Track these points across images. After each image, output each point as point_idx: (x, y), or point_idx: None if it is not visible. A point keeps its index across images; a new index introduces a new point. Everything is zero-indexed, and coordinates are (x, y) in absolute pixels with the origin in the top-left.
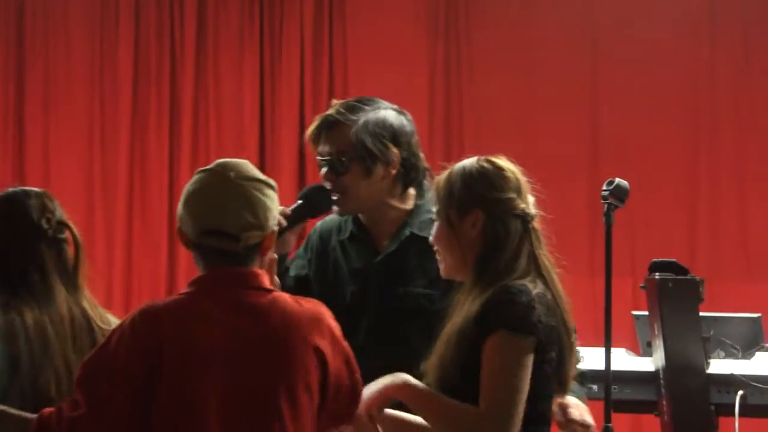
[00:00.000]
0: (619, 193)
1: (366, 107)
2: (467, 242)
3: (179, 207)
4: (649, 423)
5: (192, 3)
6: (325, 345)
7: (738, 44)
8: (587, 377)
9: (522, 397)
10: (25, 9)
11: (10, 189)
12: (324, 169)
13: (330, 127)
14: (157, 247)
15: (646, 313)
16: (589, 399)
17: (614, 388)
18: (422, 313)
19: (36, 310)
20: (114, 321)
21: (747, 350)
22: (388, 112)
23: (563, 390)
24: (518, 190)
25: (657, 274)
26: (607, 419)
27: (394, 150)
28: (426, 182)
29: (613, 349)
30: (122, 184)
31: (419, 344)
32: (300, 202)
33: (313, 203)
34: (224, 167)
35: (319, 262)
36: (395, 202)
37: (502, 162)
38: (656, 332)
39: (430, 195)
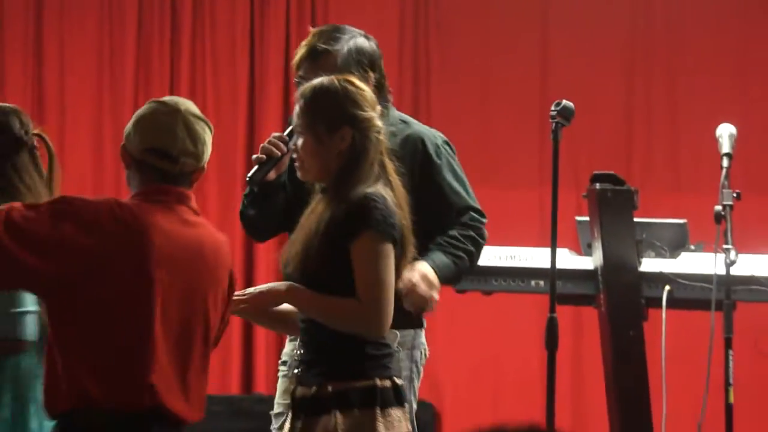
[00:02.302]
0: (565, 113)
1: (343, 35)
2: (334, 154)
3: (128, 127)
4: (588, 314)
5: None
6: (232, 270)
7: None
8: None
9: (392, 288)
10: None
11: None
12: None
13: (317, 57)
14: None
15: (588, 218)
16: (535, 293)
17: (558, 284)
18: None
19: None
20: None
21: (674, 251)
22: (361, 39)
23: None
24: (375, 108)
25: (597, 184)
26: (552, 310)
27: (372, 74)
28: (390, 99)
29: (558, 249)
30: (129, 100)
31: None
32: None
33: None
34: (176, 102)
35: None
36: None
37: (357, 82)
38: (596, 235)
39: (392, 113)
